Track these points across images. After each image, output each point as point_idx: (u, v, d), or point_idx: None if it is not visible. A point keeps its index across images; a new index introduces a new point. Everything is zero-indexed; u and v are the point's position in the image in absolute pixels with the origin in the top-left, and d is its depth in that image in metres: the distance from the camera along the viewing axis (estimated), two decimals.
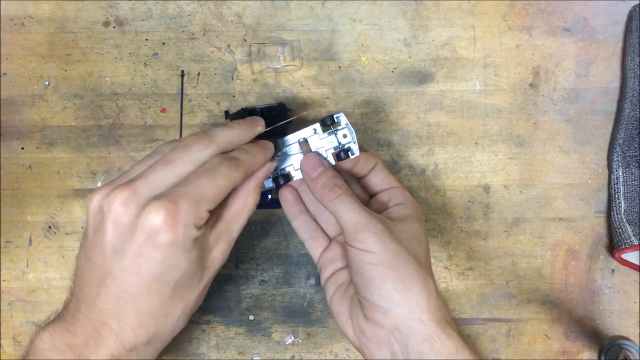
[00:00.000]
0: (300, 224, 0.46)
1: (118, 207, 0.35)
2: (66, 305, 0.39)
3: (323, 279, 0.45)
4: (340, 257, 0.44)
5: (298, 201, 0.46)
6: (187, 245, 0.36)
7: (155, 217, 0.34)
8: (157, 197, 0.35)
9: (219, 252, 0.39)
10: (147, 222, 0.35)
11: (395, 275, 0.38)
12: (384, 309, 0.38)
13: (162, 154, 0.38)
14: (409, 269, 0.39)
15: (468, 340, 0.39)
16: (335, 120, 0.43)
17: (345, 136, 0.43)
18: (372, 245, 0.39)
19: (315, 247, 0.46)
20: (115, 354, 0.36)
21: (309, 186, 0.43)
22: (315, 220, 0.46)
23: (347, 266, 0.43)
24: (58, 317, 0.38)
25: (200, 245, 0.37)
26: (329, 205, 0.41)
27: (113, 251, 0.36)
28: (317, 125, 0.44)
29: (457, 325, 0.40)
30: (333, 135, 0.44)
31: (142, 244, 0.35)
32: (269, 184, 0.45)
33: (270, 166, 0.42)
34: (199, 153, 0.38)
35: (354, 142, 0.43)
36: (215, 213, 0.39)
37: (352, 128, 0.43)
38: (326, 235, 0.46)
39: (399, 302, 0.38)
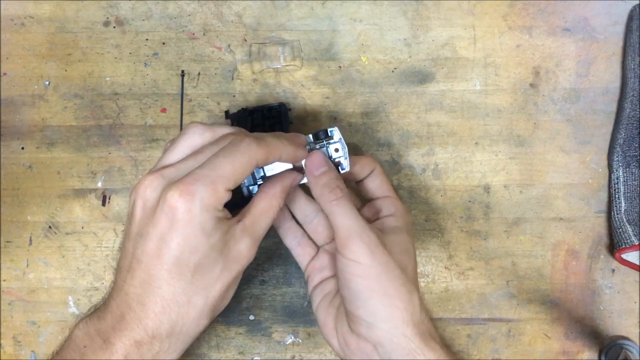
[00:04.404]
0: (286, 231, 0.46)
1: (145, 190, 0.37)
2: (104, 296, 0.39)
3: (310, 287, 0.45)
4: (328, 266, 0.44)
5: (284, 207, 0.45)
6: (206, 226, 0.36)
7: (173, 197, 0.35)
8: (177, 180, 0.36)
9: (244, 247, 0.38)
10: (166, 203, 0.35)
11: (381, 290, 0.38)
12: (369, 323, 0.39)
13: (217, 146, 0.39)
14: (396, 283, 0.39)
15: (451, 352, 0.40)
16: (329, 134, 0.43)
17: (337, 150, 0.43)
18: (361, 256, 0.38)
19: (302, 255, 0.46)
20: (138, 339, 0.36)
21: (309, 183, 0.42)
22: (302, 227, 0.46)
23: (335, 275, 0.43)
24: (96, 308, 0.39)
25: (224, 232, 0.37)
26: (326, 206, 0.40)
27: (139, 234, 0.37)
28: (310, 136, 0.43)
29: (440, 337, 0.40)
30: (324, 148, 0.43)
31: (163, 225, 0.36)
32: (256, 189, 0.44)
33: (299, 177, 0.42)
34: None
35: (345, 158, 0.43)
36: (244, 210, 0.40)
37: (345, 143, 0.43)
38: (314, 243, 0.46)
39: (384, 318, 0.38)
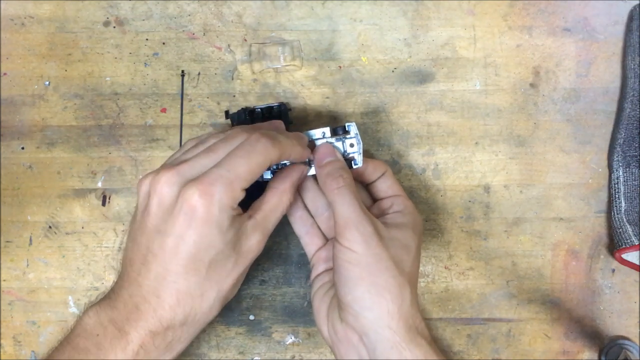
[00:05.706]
0: (297, 219, 0.47)
1: (162, 187, 0.37)
2: (112, 286, 0.40)
3: (312, 276, 0.46)
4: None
5: (296, 196, 0.46)
6: (222, 225, 0.37)
7: (193, 197, 0.36)
8: (195, 179, 0.37)
9: (254, 241, 0.40)
10: (185, 202, 0.36)
11: (370, 279, 0.39)
12: (355, 311, 0.39)
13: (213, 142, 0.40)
14: (387, 274, 0.39)
15: (438, 350, 0.40)
16: (346, 129, 0.44)
17: (352, 145, 0.44)
18: (355, 245, 0.39)
19: (310, 244, 0.47)
20: (152, 329, 0.37)
21: (316, 173, 0.43)
22: (312, 217, 0.47)
23: None
24: (105, 297, 0.40)
25: (237, 229, 0.38)
26: (329, 194, 0.42)
27: (155, 230, 0.38)
28: (327, 129, 0.44)
29: (430, 335, 0.40)
30: (340, 143, 0.44)
31: (181, 223, 0.37)
32: (268, 175, 0.45)
33: (306, 169, 0.43)
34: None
35: (359, 154, 0.44)
36: (255, 205, 0.41)
37: (360, 139, 0.44)
38: (322, 234, 0.47)
39: (369, 307, 0.39)
